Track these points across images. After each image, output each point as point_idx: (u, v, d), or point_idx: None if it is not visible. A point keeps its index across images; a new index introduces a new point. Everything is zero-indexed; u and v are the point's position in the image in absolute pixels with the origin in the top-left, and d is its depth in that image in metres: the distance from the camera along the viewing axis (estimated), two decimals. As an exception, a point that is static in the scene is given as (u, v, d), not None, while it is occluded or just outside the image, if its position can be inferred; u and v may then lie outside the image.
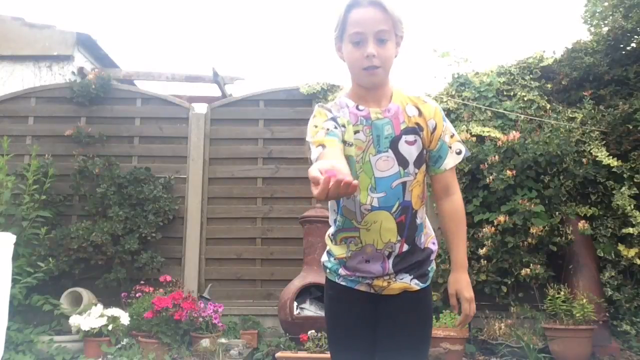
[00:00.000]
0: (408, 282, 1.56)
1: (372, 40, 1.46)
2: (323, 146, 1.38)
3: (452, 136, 1.59)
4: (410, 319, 1.56)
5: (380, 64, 1.47)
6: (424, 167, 1.57)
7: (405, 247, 1.55)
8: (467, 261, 1.66)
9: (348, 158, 1.48)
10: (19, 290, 4.19)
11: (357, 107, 1.54)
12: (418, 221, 1.56)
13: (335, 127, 1.45)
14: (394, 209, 1.52)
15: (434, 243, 1.64)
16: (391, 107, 1.54)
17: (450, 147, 1.57)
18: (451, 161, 1.57)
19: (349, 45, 1.50)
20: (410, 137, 1.53)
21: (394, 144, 1.52)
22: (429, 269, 1.61)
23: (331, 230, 1.65)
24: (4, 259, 3.05)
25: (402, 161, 1.52)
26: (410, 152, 1.53)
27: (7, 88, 5.56)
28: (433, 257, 1.63)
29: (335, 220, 1.61)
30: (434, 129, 1.55)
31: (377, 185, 1.51)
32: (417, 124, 1.54)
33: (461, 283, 1.58)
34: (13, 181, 4.55)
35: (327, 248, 1.68)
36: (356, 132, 1.52)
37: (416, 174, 1.54)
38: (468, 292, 1.57)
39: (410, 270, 1.56)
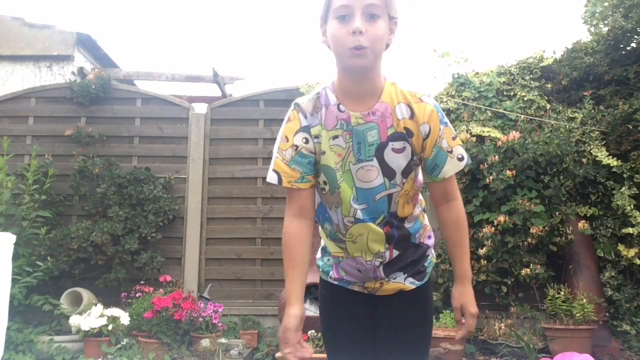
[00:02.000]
0: (402, 281, 1.48)
1: (361, 16, 1.27)
2: (279, 176, 1.38)
3: (453, 138, 1.39)
4: (408, 318, 1.48)
5: (368, 43, 1.27)
6: (413, 174, 1.42)
7: (396, 253, 1.45)
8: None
9: (325, 168, 1.40)
10: (19, 290, 4.19)
11: (338, 107, 1.37)
12: (408, 225, 1.45)
13: (307, 142, 1.37)
14: (378, 221, 1.41)
15: (429, 237, 1.53)
16: (378, 108, 1.35)
17: (451, 152, 1.38)
18: (451, 169, 1.39)
19: (334, 21, 1.30)
20: (398, 144, 1.36)
21: (379, 152, 1.36)
22: (426, 264, 1.51)
23: (322, 229, 1.54)
24: (4, 259, 3.05)
25: (388, 171, 1.37)
26: (398, 161, 1.37)
27: (7, 88, 5.56)
28: (430, 251, 1.53)
29: (322, 220, 1.50)
30: (427, 134, 1.36)
31: (358, 197, 1.39)
32: (407, 128, 1.36)
33: (467, 297, 1.46)
34: (13, 181, 4.54)
35: (322, 244, 1.58)
36: (335, 137, 1.37)
37: (404, 183, 1.40)
38: (474, 308, 1.45)
39: (404, 269, 1.47)
